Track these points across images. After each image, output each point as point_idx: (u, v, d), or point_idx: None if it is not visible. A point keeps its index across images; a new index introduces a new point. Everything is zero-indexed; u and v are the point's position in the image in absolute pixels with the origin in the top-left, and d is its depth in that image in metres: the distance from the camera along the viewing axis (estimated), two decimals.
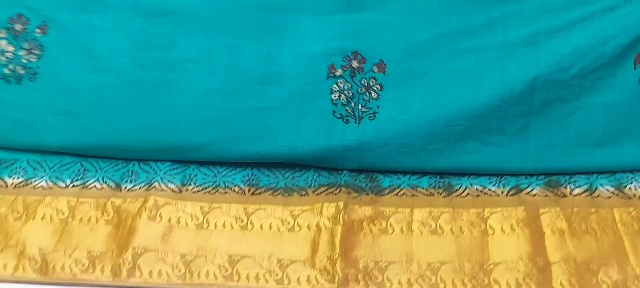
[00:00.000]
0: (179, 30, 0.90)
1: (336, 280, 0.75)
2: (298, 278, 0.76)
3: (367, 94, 0.87)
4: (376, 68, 0.87)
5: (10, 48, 0.93)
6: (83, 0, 0.93)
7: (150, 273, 0.77)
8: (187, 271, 0.77)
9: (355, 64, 0.88)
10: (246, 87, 0.88)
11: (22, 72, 0.92)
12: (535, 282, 0.74)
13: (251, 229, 0.82)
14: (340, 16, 0.88)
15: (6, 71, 0.93)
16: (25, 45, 0.93)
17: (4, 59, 0.93)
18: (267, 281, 0.76)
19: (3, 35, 0.94)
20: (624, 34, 0.83)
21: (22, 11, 0.94)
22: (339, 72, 0.87)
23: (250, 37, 0.89)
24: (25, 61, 0.93)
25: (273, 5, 0.89)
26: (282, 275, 0.76)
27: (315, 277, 0.76)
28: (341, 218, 0.81)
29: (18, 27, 0.94)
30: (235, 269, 0.77)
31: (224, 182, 0.89)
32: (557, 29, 0.84)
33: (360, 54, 0.88)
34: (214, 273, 0.77)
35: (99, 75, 0.90)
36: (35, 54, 0.92)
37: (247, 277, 0.76)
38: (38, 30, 0.93)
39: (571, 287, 0.73)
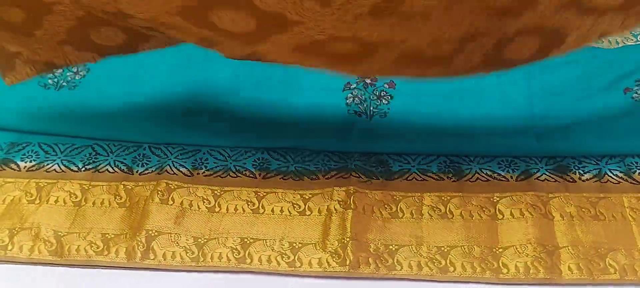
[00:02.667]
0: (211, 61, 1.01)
1: (347, 263, 0.76)
2: (309, 261, 0.77)
3: (379, 101, 0.97)
4: (387, 85, 0.99)
5: (59, 70, 1.01)
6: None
7: (164, 255, 0.78)
8: (200, 253, 0.78)
9: (368, 81, 1.00)
10: (270, 97, 0.98)
11: (63, 84, 1.01)
12: (544, 266, 0.75)
13: (262, 213, 0.83)
14: None
15: (49, 81, 1.01)
16: (74, 69, 1.03)
17: (51, 73, 1.02)
18: (279, 264, 0.77)
19: None
20: (608, 73, 0.95)
21: None
22: (353, 86, 0.99)
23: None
24: (69, 78, 1.02)
25: None
26: (294, 258, 0.78)
27: (327, 260, 0.77)
28: (352, 203, 0.82)
29: None
30: (247, 252, 0.78)
31: (234, 166, 0.90)
32: (547, 67, 0.96)
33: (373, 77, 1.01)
34: (227, 255, 0.78)
35: (135, 87, 1.00)
36: (81, 74, 1.02)
37: (260, 259, 0.78)
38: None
39: (579, 271, 0.74)
